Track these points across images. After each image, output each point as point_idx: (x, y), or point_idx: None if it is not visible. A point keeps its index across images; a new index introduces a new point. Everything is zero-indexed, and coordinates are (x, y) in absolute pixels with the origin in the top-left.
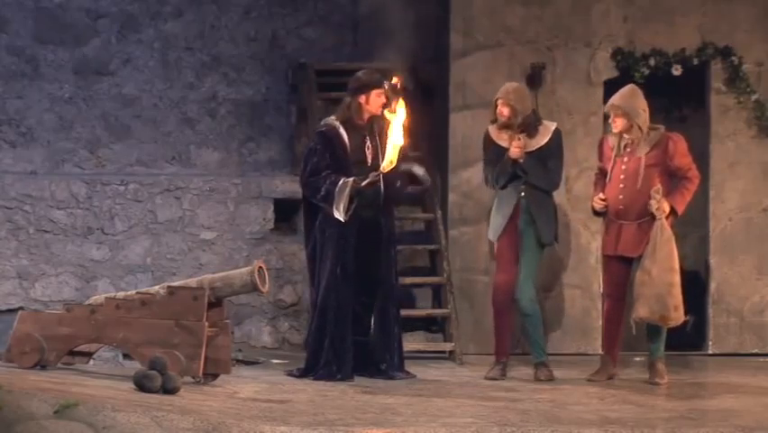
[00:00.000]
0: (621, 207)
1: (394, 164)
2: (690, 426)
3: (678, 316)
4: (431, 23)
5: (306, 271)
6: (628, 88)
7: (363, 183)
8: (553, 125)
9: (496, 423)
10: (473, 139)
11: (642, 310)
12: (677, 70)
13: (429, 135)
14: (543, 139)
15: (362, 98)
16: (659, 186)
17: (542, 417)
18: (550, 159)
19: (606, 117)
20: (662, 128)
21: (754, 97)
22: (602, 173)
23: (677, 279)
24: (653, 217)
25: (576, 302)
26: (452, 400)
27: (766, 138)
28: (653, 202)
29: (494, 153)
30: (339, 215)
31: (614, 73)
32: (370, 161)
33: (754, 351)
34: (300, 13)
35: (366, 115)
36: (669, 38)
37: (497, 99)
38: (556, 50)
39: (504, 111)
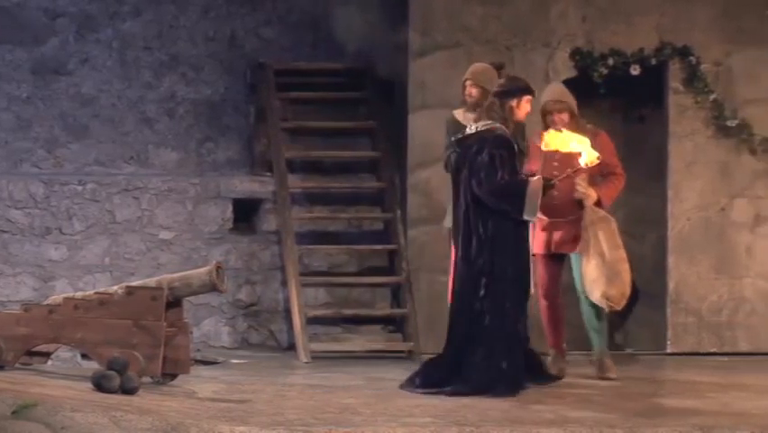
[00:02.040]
0: (555, 203)
1: (598, 161)
2: (648, 425)
3: (629, 292)
4: (390, 23)
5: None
6: (560, 85)
7: (556, 180)
8: None
9: (455, 423)
10: (432, 139)
11: (610, 290)
12: (635, 70)
13: (388, 135)
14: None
15: (514, 102)
16: (584, 175)
17: (501, 416)
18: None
19: (544, 115)
20: (591, 126)
21: (711, 97)
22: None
23: (624, 255)
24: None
25: (534, 301)
26: (412, 400)
27: (724, 138)
28: (579, 188)
29: (455, 132)
30: (530, 215)
31: (572, 73)
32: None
33: (712, 350)
34: (259, 13)
35: (515, 120)
36: (627, 38)
37: (465, 80)
38: (515, 50)
39: (473, 91)
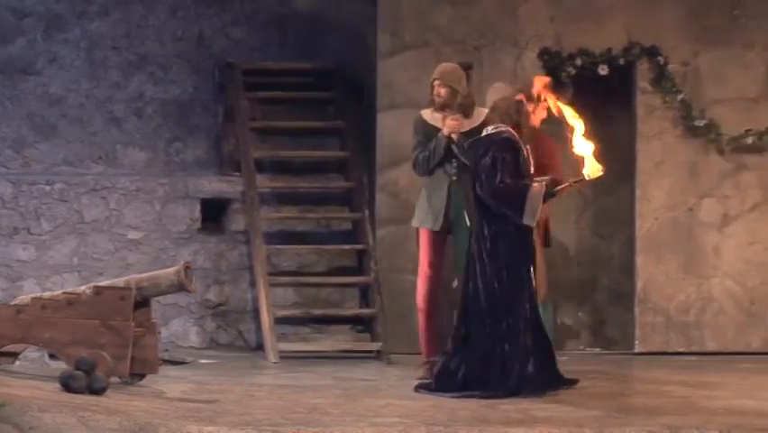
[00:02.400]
0: None
1: (601, 172)
2: (616, 424)
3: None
4: (358, 23)
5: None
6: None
7: (559, 188)
8: (485, 110)
9: (423, 423)
10: (401, 139)
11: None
12: (603, 70)
13: (357, 135)
14: (476, 121)
15: (531, 107)
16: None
17: (469, 416)
18: None
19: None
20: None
21: (679, 97)
22: None
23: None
24: None
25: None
26: (380, 400)
27: (692, 138)
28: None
29: (426, 136)
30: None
31: (541, 73)
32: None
33: (680, 350)
34: (227, 13)
35: (529, 125)
36: (595, 38)
37: (433, 80)
38: (483, 50)
39: (441, 91)
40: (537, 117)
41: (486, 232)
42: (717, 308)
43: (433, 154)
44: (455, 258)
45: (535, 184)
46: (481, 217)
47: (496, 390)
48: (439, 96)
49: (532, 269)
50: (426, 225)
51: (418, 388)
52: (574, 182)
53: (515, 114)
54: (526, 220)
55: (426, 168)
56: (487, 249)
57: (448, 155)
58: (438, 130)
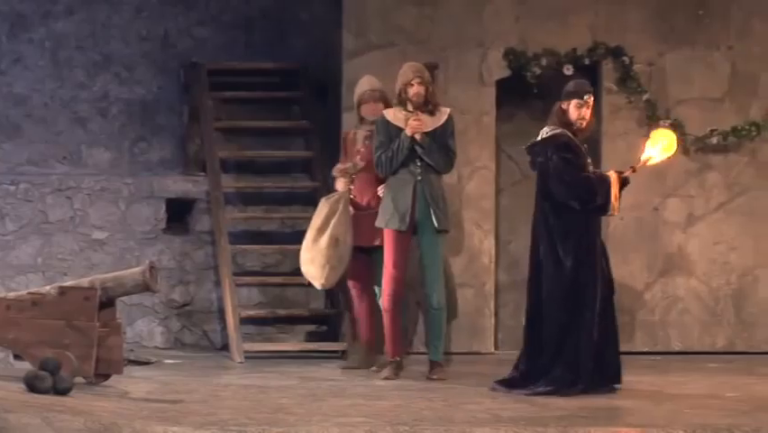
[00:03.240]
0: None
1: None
2: (581, 424)
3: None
4: (323, 23)
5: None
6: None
7: (627, 173)
8: (447, 110)
9: (389, 423)
10: None
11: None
12: (568, 70)
13: (322, 135)
14: (439, 120)
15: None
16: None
17: (435, 416)
18: (447, 140)
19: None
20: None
21: (645, 97)
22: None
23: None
24: None
25: (468, 301)
26: (346, 400)
27: None
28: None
29: (388, 136)
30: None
31: (506, 73)
32: None
33: (645, 349)
34: (192, 13)
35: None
36: (561, 38)
37: (411, 80)
38: (448, 50)
39: (421, 90)
40: (572, 115)
41: (557, 231)
42: (682, 307)
43: (396, 154)
44: (420, 259)
45: (611, 173)
46: (551, 217)
47: (572, 386)
48: (419, 95)
49: (604, 262)
50: (392, 226)
51: (495, 387)
52: (637, 167)
53: (563, 116)
54: (610, 209)
55: (390, 168)
56: (559, 248)
57: (412, 155)
58: (401, 130)
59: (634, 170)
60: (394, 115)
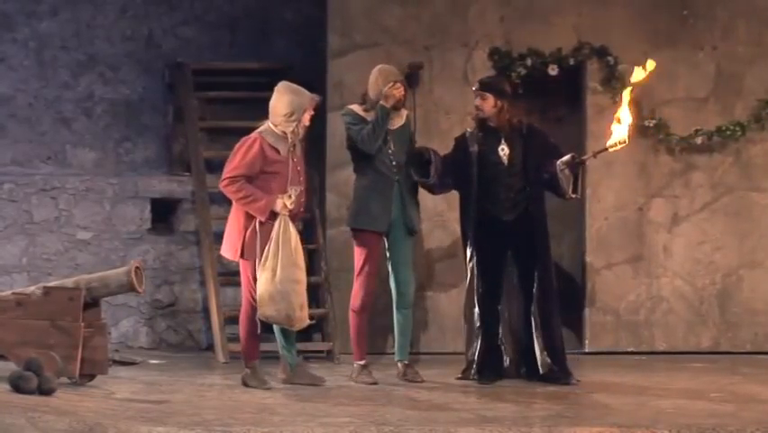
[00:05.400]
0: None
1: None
2: (566, 424)
3: (303, 316)
4: (308, 23)
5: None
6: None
7: (584, 157)
8: (405, 111)
9: (374, 423)
10: None
11: (267, 310)
12: (553, 70)
13: (306, 135)
14: (403, 119)
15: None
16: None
17: (420, 416)
18: (410, 140)
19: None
20: None
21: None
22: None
23: (302, 276)
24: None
25: (452, 301)
26: (330, 400)
27: (642, 138)
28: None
29: (361, 121)
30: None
31: (491, 73)
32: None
33: (629, 349)
34: (176, 13)
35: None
36: (545, 38)
37: (395, 82)
38: (433, 50)
39: (402, 91)
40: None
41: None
42: (666, 307)
43: (378, 125)
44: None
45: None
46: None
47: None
48: (401, 97)
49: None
50: (365, 227)
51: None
52: (597, 152)
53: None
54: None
55: (374, 141)
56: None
57: (387, 156)
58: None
59: (596, 154)
60: (365, 114)
